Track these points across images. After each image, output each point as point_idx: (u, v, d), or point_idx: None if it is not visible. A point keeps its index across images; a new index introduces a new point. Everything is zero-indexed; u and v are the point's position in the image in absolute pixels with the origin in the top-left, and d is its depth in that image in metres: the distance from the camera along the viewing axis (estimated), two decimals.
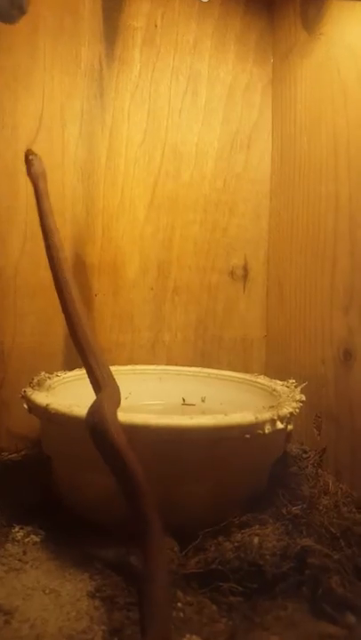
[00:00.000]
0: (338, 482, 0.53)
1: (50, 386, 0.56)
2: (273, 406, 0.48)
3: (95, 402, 0.43)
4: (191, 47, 0.72)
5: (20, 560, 0.41)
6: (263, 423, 0.44)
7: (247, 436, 0.43)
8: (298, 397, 0.52)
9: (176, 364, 0.72)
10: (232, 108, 0.74)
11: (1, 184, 0.66)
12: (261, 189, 0.77)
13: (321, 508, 0.45)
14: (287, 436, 0.59)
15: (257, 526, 0.42)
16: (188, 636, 0.34)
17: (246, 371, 0.77)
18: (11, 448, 0.67)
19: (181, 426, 0.42)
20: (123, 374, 0.68)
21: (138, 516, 0.36)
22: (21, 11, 0.57)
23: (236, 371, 0.75)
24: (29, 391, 0.51)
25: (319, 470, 0.55)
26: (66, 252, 0.55)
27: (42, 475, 0.54)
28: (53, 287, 0.68)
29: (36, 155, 0.58)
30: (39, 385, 0.55)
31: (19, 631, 0.34)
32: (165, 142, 0.72)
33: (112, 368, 0.67)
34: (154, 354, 0.75)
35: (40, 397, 0.48)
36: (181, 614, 0.36)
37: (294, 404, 0.49)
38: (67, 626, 0.34)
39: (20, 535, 0.45)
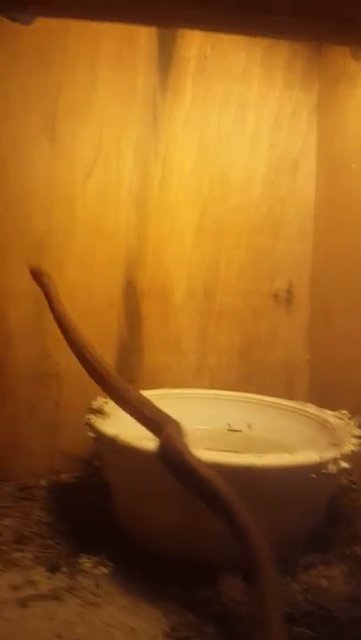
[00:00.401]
0: None
1: (106, 412, 0.58)
2: (335, 444, 0.48)
3: (165, 437, 0.44)
4: (240, 75, 0.73)
5: (93, 594, 0.43)
6: (327, 463, 0.45)
7: (313, 475, 0.44)
8: (356, 432, 0.53)
9: (220, 388, 0.73)
10: (278, 134, 0.75)
11: (60, 211, 0.68)
12: (306, 212, 0.77)
13: None
14: None
15: (321, 567, 0.43)
16: None
17: (289, 395, 0.77)
18: (64, 469, 0.68)
19: (251, 465, 0.43)
20: (169, 398, 0.70)
21: (242, 543, 0.36)
22: None
23: (278, 394, 0.75)
24: (93, 419, 0.52)
25: None
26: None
27: (100, 500, 0.56)
28: (105, 311, 0.71)
29: (40, 268, 0.61)
30: (100, 412, 0.56)
31: None
32: (214, 169, 0.73)
33: (160, 391, 0.70)
34: (199, 377, 0.76)
35: (107, 427, 0.49)
36: None
37: (354, 441, 0.49)
38: None
39: (88, 566, 0.46)
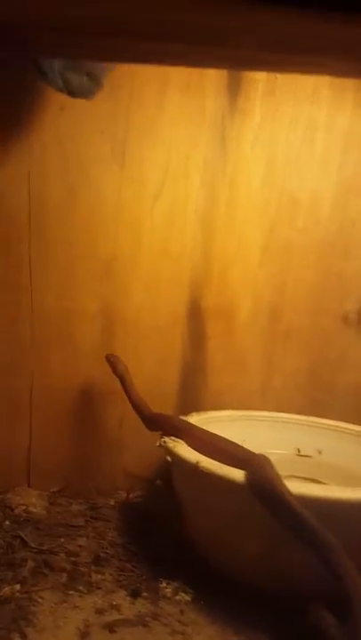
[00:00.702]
0: None
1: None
2: None
3: (256, 467, 0.43)
4: (309, 96, 0.72)
5: (179, 622, 0.42)
6: None
7: None
8: None
9: (286, 411, 0.72)
10: (348, 155, 0.74)
11: (127, 234, 0.69)
12: None
13: None
14: None
15: None
16: None
17: (359, 421, 0.75)
18: (126, 487, 0.68)
19: (343, 500, 0.41)
20: (236, 420, 0.69)
21: (337, 578, 0.36)
22: (100, 85, 0.60)
23: (348, 420, 0.73)
24: (170, 442, 0.51)
25: None
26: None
27: (172, 523, 0.55)
28: (170, 330, 0.71)
29: (116, 356, 0.65)
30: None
31: None
32: (282, 189, 0.73)
33: (225, 412, 0.69)
34: (264, 399, 0.74)
35: (187, 452, 0.49)
36: None
37: None
38: None
39: (169, 592, 0.46)
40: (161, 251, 0.70)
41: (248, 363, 0.74)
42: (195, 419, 0.64)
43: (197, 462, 0.46)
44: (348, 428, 0.66)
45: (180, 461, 0.49)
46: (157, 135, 0.69)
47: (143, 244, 0.69)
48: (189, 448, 0.50)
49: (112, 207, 0.69)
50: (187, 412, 0.66)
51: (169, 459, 0.51)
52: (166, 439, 0.53)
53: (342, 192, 0.74)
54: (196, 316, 0.72)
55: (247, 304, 0.73)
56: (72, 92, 0.57)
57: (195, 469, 0.46)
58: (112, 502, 0.62)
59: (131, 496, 0.65)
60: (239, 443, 0.68)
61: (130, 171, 0.69)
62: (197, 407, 0.70)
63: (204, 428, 0.64)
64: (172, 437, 0.53)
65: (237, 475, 0.43)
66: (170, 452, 0.51)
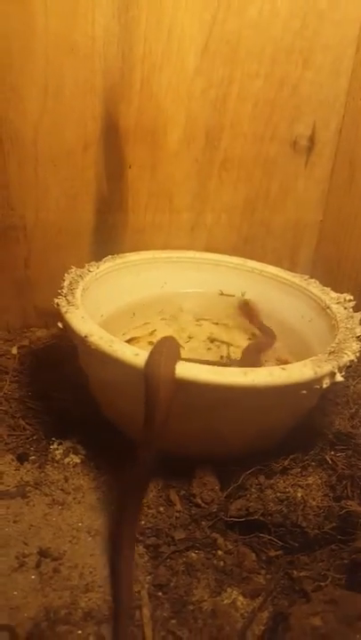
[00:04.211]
0: None
1: (84, 288, 0.50)
2: (333, 352, 0.42)
3: (153, 352, 0.39)
4: None
5: (62, 490, 0.41)
6: (322, 378, 0.40)
7: (304, 392, 0.40)
8: (358, 331, 0.46)
9: (216, 250, 0.65)
10: None
11: (12, 16, 0.50)
12: (348, 34, 0.59)
13: None
14: None
15: (299, 470, 0.41)
16: (228, 590, 0.36)
17: (291, 260, 0.70)
18: (40, 324, 0.65)
19: (236, 385, 0.38)
20: (156, 262, 0.62)
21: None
22: None
23: (281, 259, 0.68)
24: (64, 308, 0.45)
25: None
26: None
27: (78, 374, 0.52)
28: (80, 154, 0.58)
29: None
30: (72, 292, 0.48)
31: (69, 580, 0.35)
32: None
33: (148, 254, 0.62)
34: (193, 237, 0.67)
35: (78, 322, 0.43)
36: (222, 563, 0.37)
37: (355, 347, 0.44)
38: None
39: (59, 454, 0.45)
40: (62, 43, 0.52)
41: (176, 197, 0.64)
42: (108, 264, 0.57)
43: (86, 336, 0.41)
44: (278, 275, 0.61)
45: (70, 330, 0.43)
46: None
47: (36, 31, 0.51)
48: (79, 314, 0.44)
49: None
50: (103, 256, 0.58)
51: (60, 325, 0.45)
52: (59, 301, 0.46)
53: None
54: (112, 137, 0.58)
55: (178, 124, 0.60)
56: None
57: (83, 342, 0.41)
58: (14, 351, 0.58)
59: (39, 334, 0.61)
60: (160, 286, 0.64)
61: None
62: (115, 249, 0.61)
63: (118, 273, 0.58)
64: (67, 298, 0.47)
65: (121, 354, 0.39)
66: (61, 317, 0.45)
